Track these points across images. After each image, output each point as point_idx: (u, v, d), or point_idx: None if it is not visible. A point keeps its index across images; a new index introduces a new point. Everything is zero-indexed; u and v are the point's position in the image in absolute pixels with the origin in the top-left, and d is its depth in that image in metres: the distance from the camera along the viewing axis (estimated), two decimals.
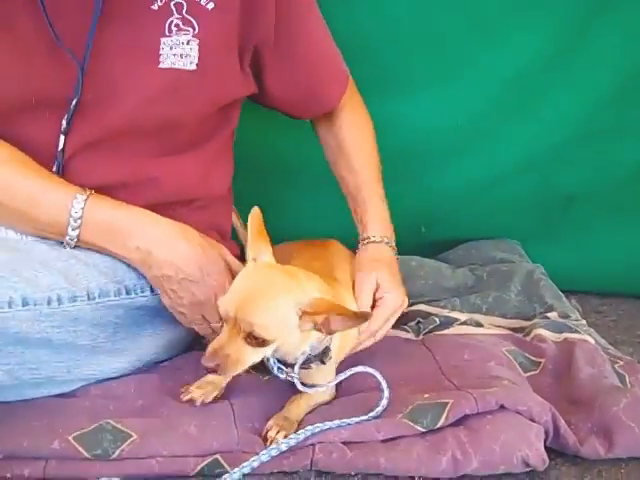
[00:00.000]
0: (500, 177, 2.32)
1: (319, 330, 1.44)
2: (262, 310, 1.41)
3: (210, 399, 1.55)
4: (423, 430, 1.48)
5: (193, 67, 1.56)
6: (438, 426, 1.49)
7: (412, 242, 2.35)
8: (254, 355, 1.42)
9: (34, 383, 1.49)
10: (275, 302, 1.42)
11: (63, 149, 1.56)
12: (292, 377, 1.54)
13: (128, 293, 1.58)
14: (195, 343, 1.79)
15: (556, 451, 1.53)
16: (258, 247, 1.50)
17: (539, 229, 2.41)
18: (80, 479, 1.41)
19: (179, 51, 1.55)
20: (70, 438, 1.42)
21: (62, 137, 1.56)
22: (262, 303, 1.42)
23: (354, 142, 1.87)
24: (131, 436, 1.43)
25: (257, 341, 1.40)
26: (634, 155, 2.25)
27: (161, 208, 1.60)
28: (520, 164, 2.31)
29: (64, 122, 1.55)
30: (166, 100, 1.57)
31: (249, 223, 1.51)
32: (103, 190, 1.56)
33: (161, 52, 1.54)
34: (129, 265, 1.58)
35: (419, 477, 1.45)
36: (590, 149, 2.27)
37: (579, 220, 2.35)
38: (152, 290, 1.60)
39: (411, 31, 2.18)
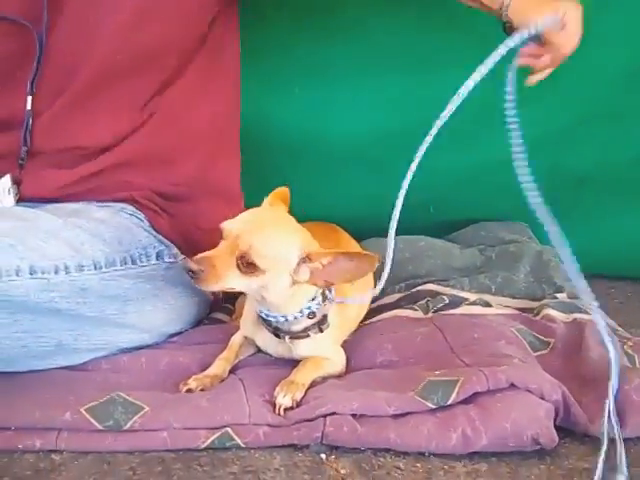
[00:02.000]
0: (509, 159, 2.30)
1: (314, 283, 1.46)
2: (265, 236, 1.45)
3: (208, 388, 1.55)
4: (434, 407, 1.48)
5: None
6: (449, 403, 1.49)
7: (421, 222, 2.35)
8: (238, 280, 1.45)
9: (43, 352, 1.50)
10: (281, 235, 1.47)
11: (31, 109, 1.60)
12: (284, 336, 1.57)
13: (134, 262, 1.59)
14: (203, 317, 1.80)
15: (566, 430, 1.52)
16: (275, 201, 1.53)
17: (548, 211, 2.40)
18: (92, 451, 1.41)
19: None
20: (82, 409, 1.43)
21: (29, 98, 1.60)
22: (268, 231, 1.46)
23: None
24: (143, 408, 1.44)
25: (248, 267, 1.43)
26: None
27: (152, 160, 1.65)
28: (529, 146, 2.28)
29: (28, 83, 1.59)
30: (140, 26, 1.60)
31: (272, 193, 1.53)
32: (79, 151, 1.59)
33: None
34: (134, 235, 1.60)
35: (429, 453, 1.45)
36: (600, 131, 2.26)
37: (588, 203, 2.35)
38: (157, 258, 1.61)
39: (423, 9, 2.18)
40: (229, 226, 1.45)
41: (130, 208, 1.69)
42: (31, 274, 1.41)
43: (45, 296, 1.44)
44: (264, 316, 1.59)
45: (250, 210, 1.52)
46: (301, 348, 1.62)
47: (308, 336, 1.60)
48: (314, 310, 1.57)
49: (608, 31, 2.15)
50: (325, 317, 1.59)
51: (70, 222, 1.54)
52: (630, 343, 1.79)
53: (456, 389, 1.49)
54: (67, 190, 1.66)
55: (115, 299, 1.56)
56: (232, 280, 1.45)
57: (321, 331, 1.59)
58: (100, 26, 1.59)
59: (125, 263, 1.57)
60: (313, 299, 1.57)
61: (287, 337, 1.60)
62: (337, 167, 2.27)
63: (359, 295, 1.70)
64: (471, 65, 2.21)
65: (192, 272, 1.43)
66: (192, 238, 1.70)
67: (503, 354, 1.62)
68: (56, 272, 1.45)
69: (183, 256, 1.69)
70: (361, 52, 2.25)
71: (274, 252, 1.45)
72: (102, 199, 1.67)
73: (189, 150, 1.75)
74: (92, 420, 1.42)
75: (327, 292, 1.59)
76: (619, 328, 1.90)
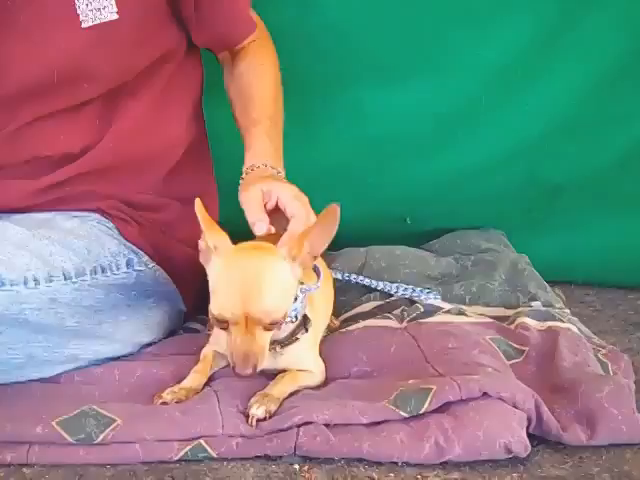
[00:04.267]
0: (485, 167, 2.33)
1: (304, 267, 1.49)
2: (271, 296, 1.44)
3: (184, 400, 1.54)
4: (407, 416, 1.48)
5: (115, 17, 1.58)
6: (422, 412, 1.48)
7: (397, 232, 2.38)
8: (270, 336, 1.47)
9: (13, 365, 1.50)
10: (276, 279, 1.46)
11: None
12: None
13: (104, 271, 1.59)
14: (177, 327, 1.81)
15: (539, 437, 1.53)
16: (214, 235, 1.50)
17: (524, 219, 2.42)
18: (63, 464, 1.40)
19: (96, 5, 1.57)
20: (53, 423, 1.41)
21: None
22: (266, 289, 1.43)
23: (250, 87, 1.84)
24: (115, 421, 1.43)
25: (274, 325, 1.44)
26: (620, 145, 2.27)
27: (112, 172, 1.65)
28: (506, 154, 2.32)
29: None
30: (91, 54, 1.61)
31: (198, 215, 1.50)
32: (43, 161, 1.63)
33: (79, 11, 1.57)
34: (103, 244, 1.60)
35: (402, 463, 1.45)
36: (576, 139, 2.29)
37: (564, 210, 2.37)
38: (127, 266, 1.61)
39: (398, 20, 2.20)
40: (230, 311, 1.42)
41: (97, 217, 1.69)
42: (0, 286, 1.41)
43: (15, 308, 1.44)
44: None
45: (222, 278, 1.47)
46: (286, 358, 1.61)
47: (297, 339, 1.59)
48: (299, 311, 1.57)
49: (581, 41, 2.18)
50: (306, 315, 1.59)
51: (38, 233, 1.54)
52: (604, 351, 1.80)
53: (429, 398, 1.49)
54: (33, 200, 1.66)
55: (86, 309, 1.56)
56: (268, 341, 1.47)
57: (307, 330, 1.59)
58: (54, 45, 1.60)
59: (95, 272, 1.57)
60: (295, 299, 1.56)
61: (278, 347, 1.59)
62: (313, 177, 2.27)
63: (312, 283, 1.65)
64: (440, 73, 2.24)
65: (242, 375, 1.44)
66: (162, 246, 1.71)
67: (477, 363, 1.62)
68: (25, 283, 1.45)
69: (153, 264, 1.69)
70: (338, 65, 2.26)
71: (284, 297, 1.47)
72: (69, 209, 1.67)
73: (156, 160, 1.75)
74: (64, 434, 1.41)
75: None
76: (593, 336, 1.91)
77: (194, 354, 1.66)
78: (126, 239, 1.68)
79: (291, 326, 1.57)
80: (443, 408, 1.50)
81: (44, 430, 1.41)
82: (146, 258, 1.69)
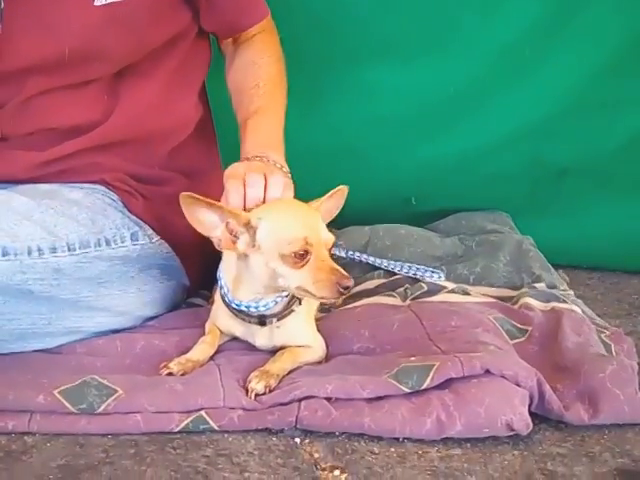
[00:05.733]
0: (491, 149, 2.32)
1: None
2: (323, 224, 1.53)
3: (189, 373, 1.54)
4: (408, 391, 1.48)
5: None
6: (423, 387, 1.48)
7: (402, 212, 2.37)
8: None
9: (15, 335, 1.50)
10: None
11: None
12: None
13: (108, 244, 1.59)
14: (180, 301, 1.81)
15: (541, 416, 1.53)
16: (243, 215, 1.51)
17: (530, 202, 2.41)
18: (64, 433, 1.40)
19: None
20: (55, 392, 1.42)
21: None
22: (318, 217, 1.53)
23: (247, 80, 1.82)
24: (117, 391, 1.44)
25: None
26: (626, 128, 2.26)
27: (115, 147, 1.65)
28: (512, 136, 2.31)
29: None
30: (103, 32, 1.60)
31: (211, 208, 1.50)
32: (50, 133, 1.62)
33: None
34: (108, 217, 1.60)
35: (403, 438, 1.45)
36: (582, 122, 2.27)
37: (569, 193, 2.36)
38: (132, 239, 1.61)
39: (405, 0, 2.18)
40: (314, 237, 1.47)
41: (102, 189, 1.68)
42: (3, 255, 1.41)
43: (18, 278, 1.44)
44: (251, 310, 1.57)
45: (293, 209, 1.53)
46: (283, 333, 1.61)
47: (293, 311, 1.59)
48: None
49: (588, 23, 2.17)
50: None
51: (43, 204, 1.54)
52: (607, 332, 1.80)
53: (431, 374, 1.49)
54: (38, 171, 1.65)
55: (90, 281, 1.56)
56: None
57: (300, 303, 1.59)
58: (66, 22, 1.59)
59: (99, 244, 1.57)
60: None
61: (275, 320, 1.59)
62: (320, 156, 2.27)
63: None
64: (446, 54, 2.23)
65: (348, 288, 1.45)
66: (167, 220, 1.70)
67: (479, 341, 1.62)
68: (29, 253, 1.45)
69: (157, 237, 1.69)
70: (344, 42, 2.25)
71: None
72: (74, 181, 1.66)
73: (164, 137, 1.75)
74: (65, 403, 1.41)
75: None
76: (597, 317, 1.91)
77: (196, 327, 1.67)
78: (131, 212, 1.68)
79: (285, 299, 1.57)
80: (445, 385, 1.50)
81: (46, 399, 1.41)
82: (150, 232, 1.68)
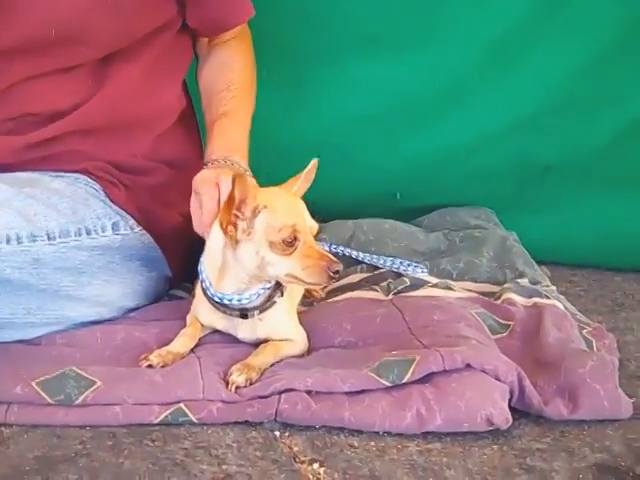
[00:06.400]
0: (476, 144, 2.32)
1: None
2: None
3: (169, 365, 1.53)
4: (389, 384, 1.48)
5: None
6: (404, 381, 1.49)
7: (387, 208, 2.36)
8: None
9: None
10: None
11: None
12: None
13: (89, 233, 1.58)
14: (162, 293, 1.81)
15: (520, 411, 1.53)
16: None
17: (514, 198, 2.40)
18: (42, 424, 1.39)
19: None
20: (33, 383, 1.42)
21: None
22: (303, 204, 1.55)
23: (217, 83, 1.84)
24: (95, 383, 1.43)
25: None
26: (611, 126, 2.25)
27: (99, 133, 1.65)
28: (496, 132, 2.30)
29: None
30: (92, 14, 1.60)
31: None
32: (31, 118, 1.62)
33: None
34: (89, 206, 1.59)
35: (383, 432, 1.45)
36: (567, 119, 2.28)
37: (554, 190, 2.36)
38: (113, 229, 1.60)
39: None
40: (301, 224, 1.49)
41: (85, 179, 1.67)
42: None
43: None
44: (234, 302, 1.57)
45: (281, 196, 1.54)
46: (266, 326, 1.61)
47: (275, 303, 1.59)
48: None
49: (576, 18, 2.17)
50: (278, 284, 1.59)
51: (23, 192, 1.53)
52: (589, 328, 1.81)
53: (412, 368, 1.49)
54: (18, 156, 1.64)
55: (70, 271, 1.55)
56: None
57: (282, 294, 1.59)
58: (55, 4, 1.60)
59: (79, 234, 1.56)
60: None
61: (257, 312, 1.59)
62: (304, 150, 2.26)
63: None
64: (432, 48, 2.23)
65: (337, 272, 1.46)
66: (150, 210, 1.70)
67: (461, 335, 1.62)
68: (8, 242, 1.44)
69: (139, 228, 1.68)
70: (329, 36, 2.25)
71: None
72: (56, 169, 1.66)
73: (146, 125, 1.74)
74: (43, 394, 1.41)
75: None
76: (579, 314, 1.91)
77: (178, 320, 1.66)
78: (113, 202, 1.67)
79: (267, 291, 1.57)
80: (426, 379, 1.50)
81: (23, 390, 1.41)
82: (132, 222, 1.67)
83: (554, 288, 2.00)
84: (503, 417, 1.46)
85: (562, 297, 1.97)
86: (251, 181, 1.55)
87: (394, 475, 1.34)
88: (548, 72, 2.24)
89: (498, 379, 1.51)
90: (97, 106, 1.66)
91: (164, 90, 1.77)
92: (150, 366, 1.51)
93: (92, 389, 1.42)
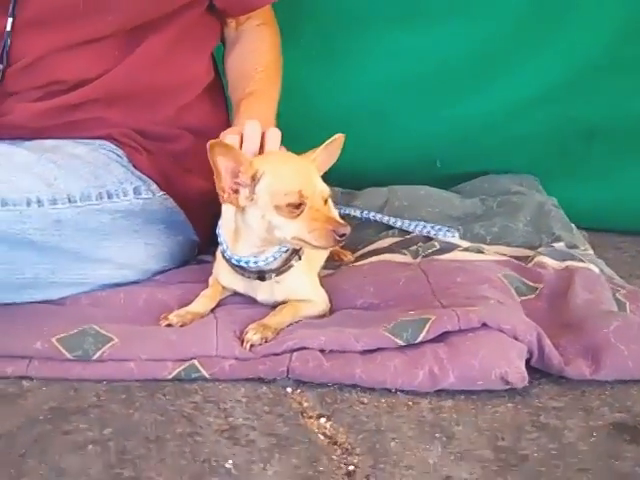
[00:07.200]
0: (518, 110, 2.28)
1: None
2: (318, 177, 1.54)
3: (188, 325, 1.56)
4: (403, 344, 1.48)
5: None
6: (418, 340, 1.48)
7: (427, 176, 2.34)
8: None
9: (19, 285, 1.53)
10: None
11: (10, 30, 1.63)
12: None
13: (110, 197, 1.61)
14: (190, 257, 1.83)
15: (543, 372, 1.51)
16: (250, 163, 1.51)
17: (559, 164, 2.36)
18: (61, 378, 1.43)
19: None
20: (53, 339, 1.45)
21: (9, 19, 1.63)
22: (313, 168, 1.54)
23: (244, 65, 1.85)
24: (112, 339, 1.46)
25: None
26: None
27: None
28: (537, 96, 2.26)
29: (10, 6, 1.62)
30: None
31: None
32: (57, 86, 1.64)
33: None
34: (110, 171, 1.62)
35: (396, 390, 1.45)
36: (611, 81, 2.23)
37: (599, 155, 2.31)
38: (134, 193, 1.63)
39: None
40: (309, 188, 1.48)
41: (109, 145, 1.70)
42: (2, 206, 1.44)
43: (18, 228, 1.47)
44: (250, 265, 1.58)
45: (288, 161, 1.55)
46: (284, 288, 1.62)
47: (292, 266, 1.60)
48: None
49: None
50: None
51: (45, 157, 1.57)
52: (623, 291, 1.76)
53: (426, 327, 1.48)
54: (45, 120, 1.68)
55: (92, 233, 1.59)
56: None
57: (300, 258, 1.59)
58: None
59: (101, 198, 1.60)
60: None
61: (274, 275, 1.60)
62: (342, 119, 2.26)
63: None
64: (471, 13, 2.19)
65: (344, 235, 1.46)
66: (173, 176, 1.72)
67: (481, 296, 1.60)
68: (28, 204, 1.48)
69: (162, 192, 1.71)
70: (365, 4, 2.24)
71: None
72: (80, 136, 1.69)
73: (171, 94, 1.76)
74: (62, 349, 1.44)
75: None
76: (616, 277, 1.87)
77: (201, 282, 1.68)
78: (135, 167, 1.70)
79: (284, 254, 1.57)
80: (441, 338, 1.49)
81: (43, 346, 1.45)
82: (154, 186, 1.70)
83: (591, 252, 1.96)
84: (519, 375, 1.44)
85: (600, 261, 1.93)
86: (239, 147, 1.54)
87: (399, 430, 1.33)
88: (591, 32, 2.19)
89: (516, 338, 1.48)
90: (122, 74, 1.69)
91: (189, 63, 1.78)
92: (169, 325, 1.54)
93: (109, 345, 1.45)
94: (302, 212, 1.47)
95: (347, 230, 1.46)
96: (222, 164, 1.48)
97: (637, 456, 1.29)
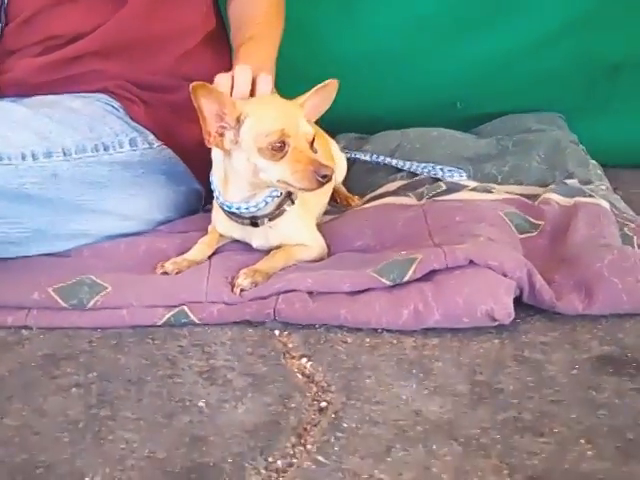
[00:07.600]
0: (538, 45, 2.22)
1: None
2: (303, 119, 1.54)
3: (184, 271, 1.58)
4: (389, 283, 1.48)
5: None
6: (405, 280, 1.48)
7: (448, 118, 2.31)
8: None
9: (20, 239, 1.57)
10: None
11: None
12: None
13: (106, 149, 1.64)
14: (196, 207, 1.86)
15: (537, 308, 1.50)
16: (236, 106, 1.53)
17: (584, 101, 2.30)
18: (58, 327, 1.49)
19: None
20: (50, 290, 1.50)
21: None
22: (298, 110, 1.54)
23: (244, 11, 1.85)
24: (106, 288, 1.51)
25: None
26: None
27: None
28: (558, 30, 2.20)
29: None
30: None
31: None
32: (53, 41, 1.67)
33: None
34: (106, 123, 1.65)
35: (382, 329, 1.45)
36: (635, 14, 2.14)
37: (625, 91, 2.25)
38: (131, 144, 1.66)
39: None
40: (292, 129, 1.48)
41: (106, 97, 1.73)
42: None
43: (15, 182, 1.51)
44: (243, 211, 1.59)
45: (272, 103, 1.55)
46: (278, 233, 1.63)
47: (285, 211, 1.61)
48: None
49: None
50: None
51: (41, 112, 1.60)
52: (632, 225, 1.73)
53: (413, 266, 1.48)
54: (43, 75, 1.71)
55: (91, 185, 1.62)
56: None
57: (292, 202, 1.60)
58: None
59: (97, 150, 1.63)
60: None
61: (266, 220, 1.61)
62: (359, 62, 2.24)
63: None
64: None
65: (326, 177, 1.47)
66: (171, 126, 1.74)
67: (472, 234, 1.58)
68: (23, 158, 1.52)
69: (159, 143, 1.73)
70: None
71: None
72: (79, 90, 1.72)
73: (168, 43, 1.77)
74: (58, 299, 1.50)
75: None
76: (628, 211, 1.82)
77: (202, 231, 1.70)
78: (132, 119, 1.73)
79: (276, 199, 1.59)
80: (428, 277, 1.49)
81: (40, 296, 1.50)
82: (151, 137, 1.73)
83: (604, 187, 1.92)
84: (505, 312, 1.43)
85: (616, 197, 1.90)
86: (229, 92, 1.55)
87: (377, 367, 1.34)
88: None
89: (505, 275, 1.47)
90: (116, 26, 1.71)
91: (184, 12, 1.79)
92: (165, 273, 1.57)
93: (102, 294, 1.50)
94: (286, 154, 1.48)
95: (329, 172, 1.46)
96: (206, 107, 1.49)
97: (616, 387, 1.28)
